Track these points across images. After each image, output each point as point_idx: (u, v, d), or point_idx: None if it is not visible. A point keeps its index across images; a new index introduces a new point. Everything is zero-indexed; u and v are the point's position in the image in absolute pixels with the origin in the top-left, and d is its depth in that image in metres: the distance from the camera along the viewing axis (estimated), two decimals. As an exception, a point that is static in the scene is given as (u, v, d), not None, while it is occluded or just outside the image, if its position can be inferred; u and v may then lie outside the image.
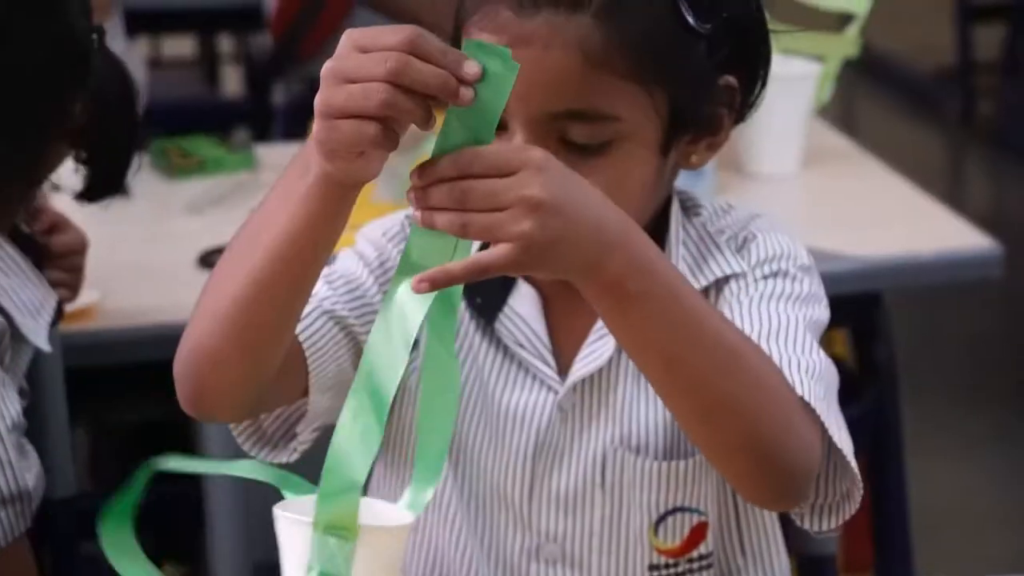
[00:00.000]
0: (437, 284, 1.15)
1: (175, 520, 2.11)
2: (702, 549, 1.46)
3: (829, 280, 1.82)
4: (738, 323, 1.37)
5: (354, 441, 1.15)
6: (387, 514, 1.20)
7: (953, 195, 5.02)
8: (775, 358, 1.33)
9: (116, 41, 2.66)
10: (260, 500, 1.43)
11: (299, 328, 1.37)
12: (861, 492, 1.36)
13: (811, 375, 1.33)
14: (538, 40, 1.33)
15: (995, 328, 4.19)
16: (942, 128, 5.56)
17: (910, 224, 2.31)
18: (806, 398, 1.31)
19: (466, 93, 1.15)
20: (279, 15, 3.35)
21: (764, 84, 1.44)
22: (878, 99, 5.77)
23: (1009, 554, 3.21)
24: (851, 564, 2.59)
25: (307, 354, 1.39)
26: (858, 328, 2.34)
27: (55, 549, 1.95)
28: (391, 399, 1.15)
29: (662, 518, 1.45)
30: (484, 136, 1.17)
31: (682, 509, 1.45)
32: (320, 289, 1.42)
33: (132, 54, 2.76)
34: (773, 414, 1.27)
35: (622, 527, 1.45)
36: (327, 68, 1.17)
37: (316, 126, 1.18)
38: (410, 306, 1.16)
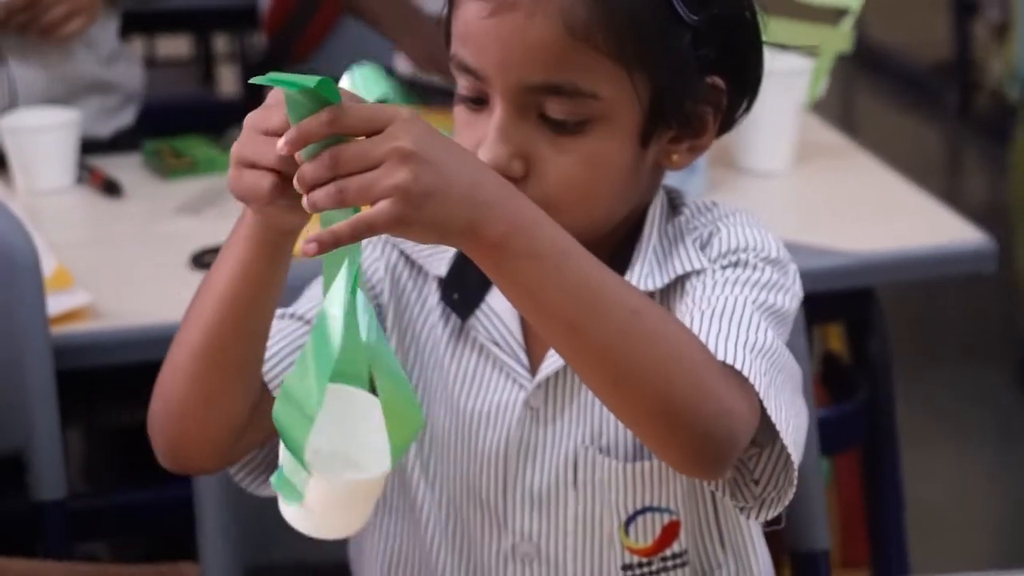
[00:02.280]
0: (324, 246, 1.17)
1: (165, 524, 2.11)
2: (675, 548, 1.46)
3: (823, 276, 1.84)
4: (691, 308, 1.37)
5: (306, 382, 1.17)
6: (370, 443, 1.22)
7: (951, 188, 5.02)
8: (716, 333, 1.33)
9: (109, 41, 2.67)
10: (250, 503, 1.43)
11: (265, 369, 1.39)
12: (794, 487, 1.36)
13: (751, 349, 1.32)
14: (522, 7, 1.33)
15: (992, 320, 4.19)
16: (940, 121, 5.56)
17: (903, 219, 2.31)
18: (737, 367, 1.31)
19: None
20: (273, 15, 3.34)
21: (754, 92, 1.44)
22: (876, 92, 5.76)
23: (1005, 549, 3.21)
24: (847, 559, 2.59)
25: (274, 395, 1.39)
26: (852, 323, 2.34)
27: (48, 550, 1.95)
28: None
29: (631, 518, 1.45)
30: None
31: (651, 509, 1.45)
32: (284, 327, 1.44)
33: (127, 54, 2.76)
34: (681, 376, 1.26)
35: (595, 527, 1.45)
36: (247, 118, 1.22)
37: (229, 171, 1.22)
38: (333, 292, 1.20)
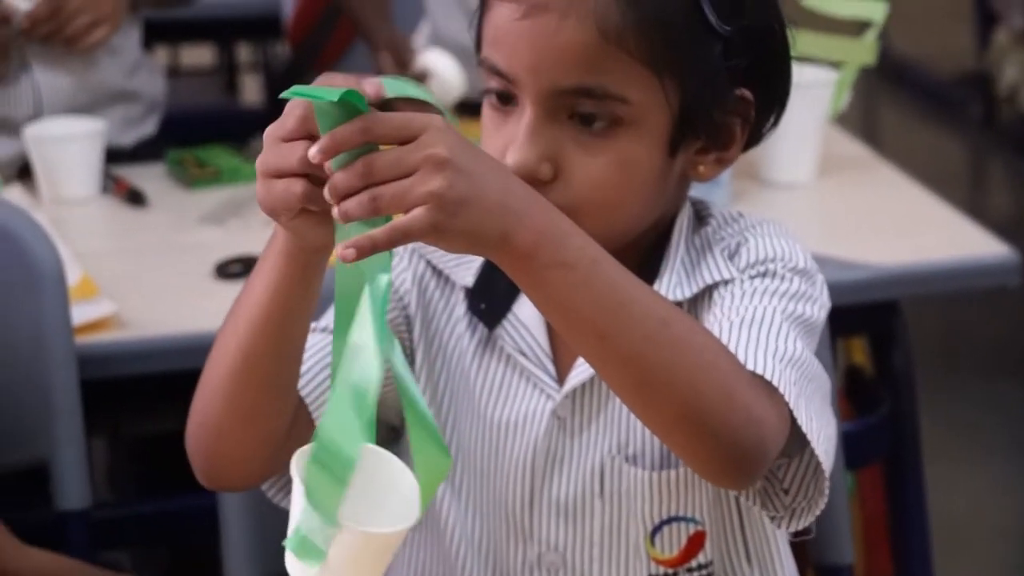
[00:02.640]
0: (363, 251, 1.16)
1: (189, 534, 2.11)
2: (700, 559, 1.46)
3: (846, 289, 1.83)
4: (719, 318, 1.37)
5: (342, 431, 1.14)
6: (394, 497, 1.19)
7: (975, 200, 5.00)
8: (745, 342, 1.33)
9: (132, 50, 2.67)
10: (275, 513, 1.43)
11: (300, 385, 1.39)
12: (826, 498, 1.36)
13: (780, 359, 1.32)
14: (555, 9, 1.33)
15: (1017, 334, 4.17)
16: (964, 132, 5.54)
17: (927, 232, 2.30)
18: (767, 376, 1.31)
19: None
20: (297, 24, 3.35)
21: (782, 106, 1.44)
22: (899, 104, 5.75)
23: (1029, 562, 3.20)
24: (870, 573, 2.58)
25: (311, 409, 1.40)
26: (875, 336, 2.34)
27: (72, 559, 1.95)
28: (372, 385, 1.15)
29: (657, 528, 1.45)
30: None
31: (677, 519, 1.45)
32: (316, 341, 1.44)
33: (149, 64, 2.76)
34: (710, 385, 1.26)
35: (621, 537, 1.45)
36: (266, 132, 1.21)
37: (256, 186, 1.22)
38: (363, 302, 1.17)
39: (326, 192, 1.17)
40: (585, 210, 1.33)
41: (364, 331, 1.16)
